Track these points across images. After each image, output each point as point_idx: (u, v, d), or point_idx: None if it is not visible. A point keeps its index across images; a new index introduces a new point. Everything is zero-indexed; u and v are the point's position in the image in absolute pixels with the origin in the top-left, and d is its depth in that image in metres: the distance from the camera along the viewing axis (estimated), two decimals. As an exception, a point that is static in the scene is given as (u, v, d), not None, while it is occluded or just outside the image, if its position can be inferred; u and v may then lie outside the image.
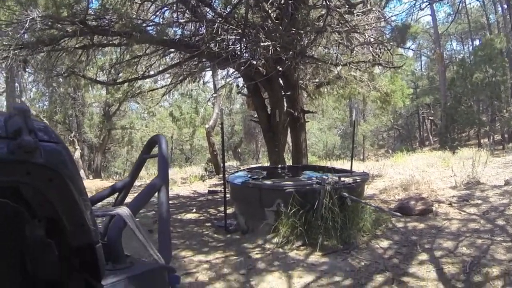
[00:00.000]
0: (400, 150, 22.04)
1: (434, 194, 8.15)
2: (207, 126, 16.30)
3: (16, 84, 21.20)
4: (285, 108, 9.90)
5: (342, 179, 6.09)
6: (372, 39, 8.27)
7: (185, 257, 5.34)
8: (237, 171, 8.55)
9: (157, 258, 1.91)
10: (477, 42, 34.35)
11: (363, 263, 4.76)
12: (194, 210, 8.56)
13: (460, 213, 6.59)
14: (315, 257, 5.04)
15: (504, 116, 23.18)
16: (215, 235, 6.47)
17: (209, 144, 15.85)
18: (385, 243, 5.45)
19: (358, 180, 6.42)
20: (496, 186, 8.21)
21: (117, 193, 2.45)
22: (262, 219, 6.04)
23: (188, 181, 14.60)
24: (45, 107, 24.90)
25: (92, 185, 15.01)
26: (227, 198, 6.94)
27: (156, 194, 2.10)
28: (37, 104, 24.17)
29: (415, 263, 4.64)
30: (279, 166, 8.95)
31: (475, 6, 34.27)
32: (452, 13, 31.45)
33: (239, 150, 30.37)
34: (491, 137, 24.56)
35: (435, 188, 8.70)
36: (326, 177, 5.93)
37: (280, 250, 5.40)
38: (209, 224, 7.22)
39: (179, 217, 7.96)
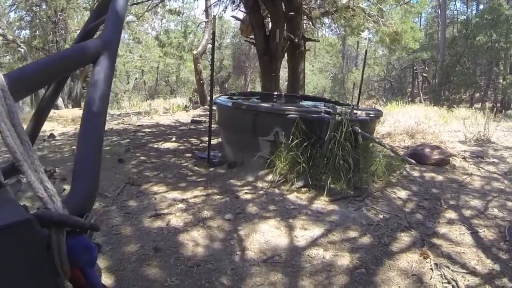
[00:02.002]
0: (395, 100, 21.21)
1: (443, 146, 7.23)
2: (195, 52, 14.87)
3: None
4: (284, 32, 8.64)
5: (355, 111, 4.97)
6: None
7: (156, 193, 4.26)
8: (226, 94, 7.33)
9: (46, 197, 0.78)
10: (481, 7, 32.86)
11: (381, 216, 3.75)
12: (174, 139, 7.44)
13: (478, 169, 5.65)
14: (321, 203, 4.00)
15: (501, 84, 22.41)
16: (196, 167, 5.38)
17: (196, 72, 14.51)
18: (402, 193, 4.44)
19: (372, 115, 5.30)
20: (509, 147, 7.29)
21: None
22: (255, 150, 4.92)
23: (171, 110, 13.44)
24: (23, 32, 23.15)
25: (69, 114, 13.91)
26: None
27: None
28: (15, 29, 22.20)
29: (443, 222, 3.67)
30: (275, 93, 7.74)
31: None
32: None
33: (226, 86, 28.96)
34: (485, 102, 23.88)
35: (444, 140, 7.75)
36: (337, 107, 4.80)
37: (276, 190, 4.35)
38: (189, 155, 6.12)
39: (155, 146, 6.85)
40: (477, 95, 25.81)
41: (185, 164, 5.57)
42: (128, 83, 28.81)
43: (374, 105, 19.94)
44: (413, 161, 5.60)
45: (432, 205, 4.11)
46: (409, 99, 30.74)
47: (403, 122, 9.91)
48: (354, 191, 4.26)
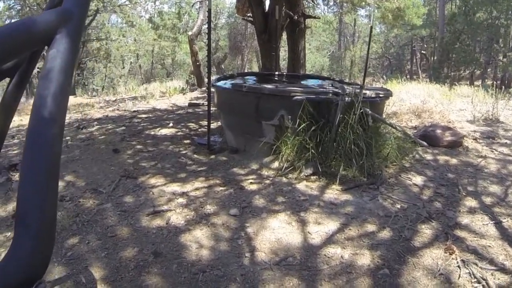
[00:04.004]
0: (395, 78, 20.85)
1: (451, 125, 6.94)
2: (190, 33, 14.42)
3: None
4: (283, 9, 8.24)
5: (364, 91, 4.63)
6: None
7: (154, 187, 3.93)
8: (224, 76, 6.94)
9: None
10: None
11: (398, 206, 3.47)
12: (171, 125, 7.11)
13: (492, 151, 5.37)
14: (334, 193, 3.70)
15: (501, 61, 22.13)
16: (195, 155, 5.05)
17: (191, 53, 14.08)
18: (418, 179, 4.16)
19: (381, 95, 4.96)
20: (519, 127, 7.00)
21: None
22: (258, 136, 4.60)
23: (168, 94, 13.05)
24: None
25: None
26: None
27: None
28: (5, 19, 21.56)
29: (464, 211, 3.39)
30: (276, 73, 7.34)
31: None
32: None
33: (223, 67, 28.49)
34: (485, 80, 23.56)
35: (452, 119, 7.46)
36: (346, 87, 4.46)
37: (284, 179, 4.04)
38: (188, 141, 5.79)
39: (152, 133, 6.50)
40: (477, 72, 25.50)
41: (184, 151, 5.24)
42: (123, 67, 28.37)
43: (375, 83, 19.55)
44: (425, 143, 5.32)
45: (450, 192, 3.83)
46: (408, 77, 30.43)
47: (407, 100, 9.62)
48: (367, 178, 3.96)
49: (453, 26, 24.39)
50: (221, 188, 3.82)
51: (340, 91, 4.23)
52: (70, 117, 8.99)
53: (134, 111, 9.29)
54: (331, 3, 14.74)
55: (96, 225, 3.12)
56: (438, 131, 5.69)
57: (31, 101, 13.11)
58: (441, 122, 7.02)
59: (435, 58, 28.78)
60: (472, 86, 18.08)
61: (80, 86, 23.35)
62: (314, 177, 4.01)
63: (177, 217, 3.20)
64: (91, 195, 3.81)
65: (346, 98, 4.19)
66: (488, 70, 25.09)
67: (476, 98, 8.77)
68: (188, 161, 4.83)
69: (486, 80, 23.93)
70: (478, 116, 7.56)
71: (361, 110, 4.19)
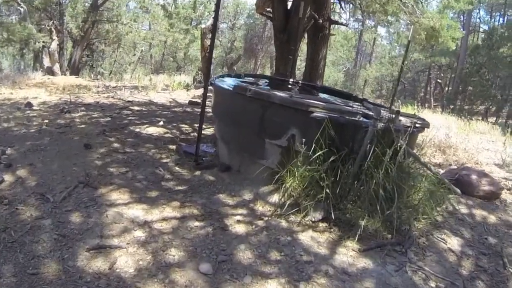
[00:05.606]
0: (411, 103, 20.02)
1: (479, 167, 6.02)
2: (203, 26, 13.53)
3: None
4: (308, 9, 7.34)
5: (400, 118, 3.63)
6: None
7: (112, 205, 2.99)
8: (229, 74, 5.82)
9: None
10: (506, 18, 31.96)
11: (433, 284, 2.51)
12: (162, 123, 6.16)
13: (532, 207, 4.42)
14: (349, 254, 2.72)
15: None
16: (177, 168, 4.06)
17: (202, 48, 13.12)
18: (453, 242, 3.19)
19: (418, 125, 3.93)
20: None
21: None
22: (258, 157, 3.62)
23: (171, 87, 12.21)
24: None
25: (63, 81, 12.97)
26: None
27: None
28: None
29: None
30: (291, 80, 6.18)
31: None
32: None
33: (235, 68, 27.59)
34: (499, 118, 22.76)
35: (480, 161, 6.51)
36: (380, 109, 3.46)
37: (283, 223, 3.04)
38: (173, 147, 4.82)
39: (137, 130, 5.55)
40: (492, 109, 24.72)
41: (165, 160, 4.26)
42: (134, 55, 27.67)
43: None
44: (459, 190, 4.36)
45: (494, 266, 2.90)
46: (420, 104, 29.61)
47: (430, 132, 8.72)
48: (392, 236, 2.99)
49: (474, 58, 23.78)
50: (196, 224, 2.84)
51: (373, 113, 3.27)
52: (60, 98, 8.35)
53: (128, 101, 8.41)
54: (359, 12, 13.77)
55: (20, 251, 2.30)
56: (474, 176, 4.72)
57: (32, 74, 12.50)
58: (468, 163, 6.11)
59: (451, 88, 28.06)
60: (487, 122, 17.23)
61: (87, 67, 22.66)
62: (324, 224, 3.02)
63: (126, 261, 2.26)
64: (35, 202, 2.97)
65: (379, 124, 3.22)
66: (504, 109, 24.22)
67: (507, 140, 7.86)
68: (166, 174, 3.84)
69: (500, 118, 23.12)
70: (508, 161, 6.59)
71: (398, 143, 3.22)
